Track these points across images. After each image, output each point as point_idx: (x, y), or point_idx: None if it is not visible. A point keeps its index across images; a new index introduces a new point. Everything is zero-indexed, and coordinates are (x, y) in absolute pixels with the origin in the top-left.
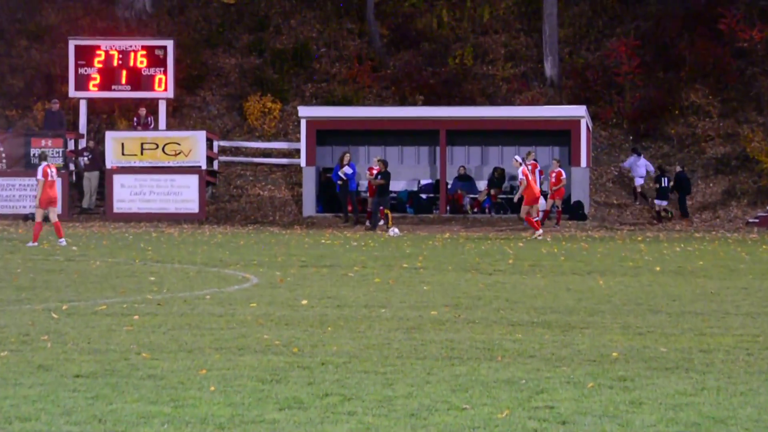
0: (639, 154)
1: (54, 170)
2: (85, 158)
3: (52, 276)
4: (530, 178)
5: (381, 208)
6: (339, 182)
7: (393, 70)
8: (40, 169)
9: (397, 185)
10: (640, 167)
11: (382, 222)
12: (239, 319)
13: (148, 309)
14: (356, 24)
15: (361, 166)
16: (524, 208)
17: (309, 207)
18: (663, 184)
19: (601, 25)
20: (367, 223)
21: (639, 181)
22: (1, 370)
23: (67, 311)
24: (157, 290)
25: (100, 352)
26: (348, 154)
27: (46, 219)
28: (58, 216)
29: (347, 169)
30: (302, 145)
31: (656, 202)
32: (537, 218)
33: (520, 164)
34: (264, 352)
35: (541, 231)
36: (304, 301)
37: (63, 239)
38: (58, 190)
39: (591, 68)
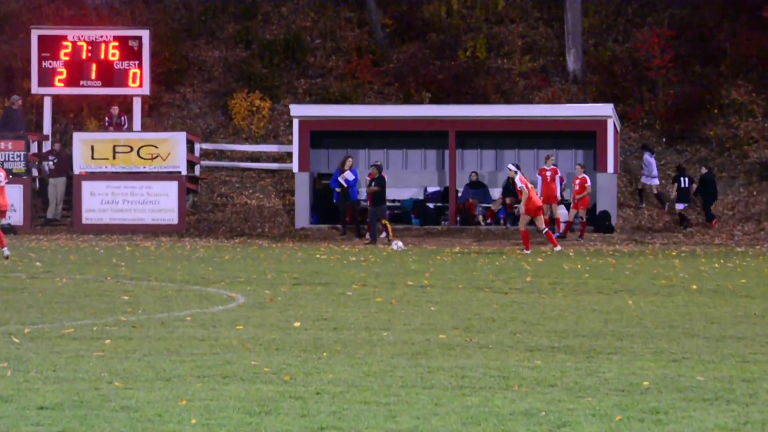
0: (652, 153)
1: (2, 174)
2: (50, 163)
3: (12, 295)
4: (530, 186)
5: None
6: (338, 189)
7: (396, 65)
8: None
9: (401, 193)
10: (653, 167)
11: (383, 234)
12: (224, 344)
13: (121, 332)
14: (355, 12)
15: (361, 171)
16: (524, 219)
17: (302, 217)
18: (683, 185)
19: (630, 13)
20: (368, 236)
21: (655, 182)
22: None
23: (30, 335)
24: (131, 311)
25: (66, 380)
26: (350, 159)
27: (7, 230)
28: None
29: (348, 175)
30: (294, 148)
31: (678, 206)
32: (546, 229)
33: (516, 172)
34: (252, 380)
35: (529, 251)
36: (297, 323)
37: (6, 248)
38: (17, 198)
39: (619, 62)
